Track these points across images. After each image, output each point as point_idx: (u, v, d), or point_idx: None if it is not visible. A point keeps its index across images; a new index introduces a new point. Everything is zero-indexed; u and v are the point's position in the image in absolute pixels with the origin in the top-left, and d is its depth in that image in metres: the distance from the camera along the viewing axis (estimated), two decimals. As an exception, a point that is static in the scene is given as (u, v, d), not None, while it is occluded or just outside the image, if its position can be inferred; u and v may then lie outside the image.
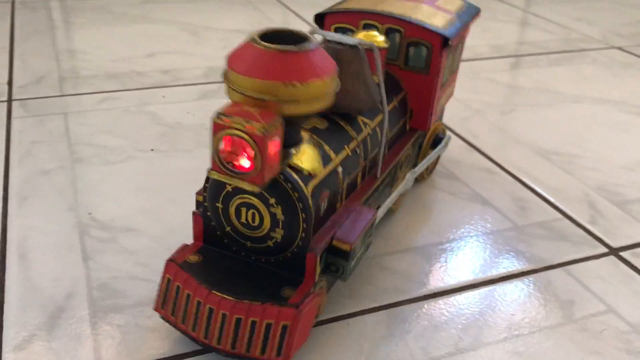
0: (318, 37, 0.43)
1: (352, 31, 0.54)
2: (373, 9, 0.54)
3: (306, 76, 0.36)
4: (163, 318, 0.41)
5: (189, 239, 0.44)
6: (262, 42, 0.37)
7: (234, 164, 0.36)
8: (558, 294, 0.49)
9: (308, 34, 0.39)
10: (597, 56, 1.05)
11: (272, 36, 0.38)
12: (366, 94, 0.45)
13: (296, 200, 0.39)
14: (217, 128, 0.35)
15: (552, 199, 0.61)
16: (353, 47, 0.43)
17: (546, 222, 0.58)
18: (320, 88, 0.37)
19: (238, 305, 0.39)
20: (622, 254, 0.53)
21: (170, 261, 0.41)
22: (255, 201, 0.41)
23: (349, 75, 0.44)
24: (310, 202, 0.39)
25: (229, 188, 0.41)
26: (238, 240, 0.43)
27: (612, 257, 0.53)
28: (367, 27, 0.54)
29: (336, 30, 0.55)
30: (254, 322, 0.39)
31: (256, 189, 0.37)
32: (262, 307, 0.39)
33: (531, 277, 0.50)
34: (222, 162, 0.36)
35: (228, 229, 0.43)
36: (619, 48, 1.10)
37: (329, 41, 0.44)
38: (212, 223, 0.43)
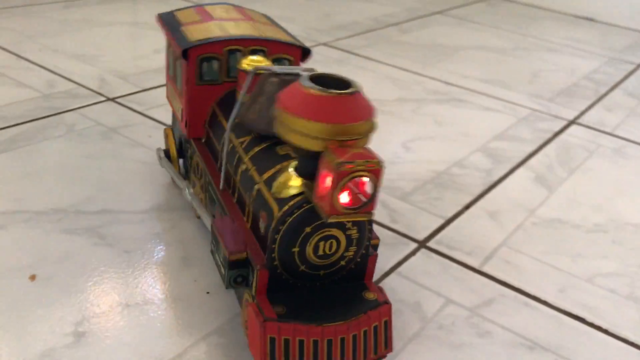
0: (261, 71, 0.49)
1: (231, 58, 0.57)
2: (229, 34, 0.56)
3: (372, 113, 0.41)
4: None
5: None
6: (333, 90, 0.40)
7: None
8: (404, 298, 0.55)
9: (339, 76, 0.42)
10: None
11: (315, 80, 0.42)
12: None
13: None
14: (341, 175, 0.38)
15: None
16: (296, 75, 0.48)
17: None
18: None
19: (352, 325, 0.43)
20: (429, 245, 0.62)
21: (267, 321, 0.42)
22: (334, 231, 0.44)
23: None
24: None
25: (308, 229, 0.43)
26: (311, 274, 0.45)
27: (424, 250, 0.62)
28: (231, 52, 0.56)
29: (203, 60, 0.56)
30: (365, 332, 0.44)
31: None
32: (367, 316, 0.44)
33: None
34: (339, 204, 0.39)
35: (302, 267, 0.45)
36: (324, 44, 1.33)
37: (276, 74, 0.48)
38: (278, 270, 0.44)
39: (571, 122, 0.98)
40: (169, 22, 0.61)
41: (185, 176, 0.64)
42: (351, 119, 0.40)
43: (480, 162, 0.81)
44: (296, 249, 0.44)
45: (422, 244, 0.63)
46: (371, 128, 0.41)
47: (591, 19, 1.70)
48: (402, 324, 0.52)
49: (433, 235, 0.64)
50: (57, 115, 0.80)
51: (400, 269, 0.58)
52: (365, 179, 0.38)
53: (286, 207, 0.43)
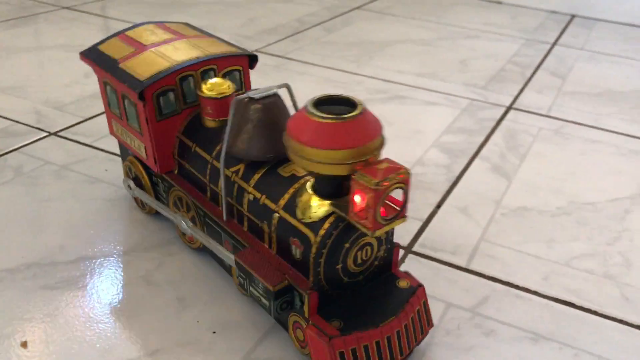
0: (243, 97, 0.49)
1: (172, 89, 0.56)
2: (177, 62, 0.55)
3: (381, 127, 0.43)
4: None
5: None
6: (347, 115, 0.41)
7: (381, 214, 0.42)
8: None
9: (338, 95, 0.44)
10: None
11: (323, 102, 0.43)
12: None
13: None
14: (380, 194, 0.40)
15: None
16: (274, 96, 0.49)
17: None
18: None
19: (401, 317, 0.47)
20: (414, 249, 0.63)
21: (332, 338, 0.44)
22: (368, 238, 0.47)
23: (280, 120, 0.50)
24: None
25: (347, 245, 0.46)
26: (353, 282, 0.48)
27: (411, 256, 0.62)
28: (183, 79, 0.56)
29: (158, 95, 0.55)
30: (413, 318, 0.48)
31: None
32: (410, 304, 0.47)
33: None
34: (380, 218, 0.41)
35: (345, 279, 0.47)
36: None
37: (254, 99, 0.49)
38: (325, 289, 0.46)
39: (509, 108, 1.02)
40: (100, 59, 0.59)
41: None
42: (369, 138, 0.42)
43: (438, 158, 0.83)
44: (339, 266, 0.47)
45: (408, 249, 0.64)
46: (383, 141, 0.44)
47: (499, 2, 1.78)
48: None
49: (416, 239, 0.65)
50: (-1, 158, 0.75)
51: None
52: (402, 188, 0.42)
53: (323, 232, 0.45)
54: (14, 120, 0.84)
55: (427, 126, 0.93)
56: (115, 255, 0.59)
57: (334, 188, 0.45)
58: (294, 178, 0.49)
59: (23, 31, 1.21)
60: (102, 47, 0.61)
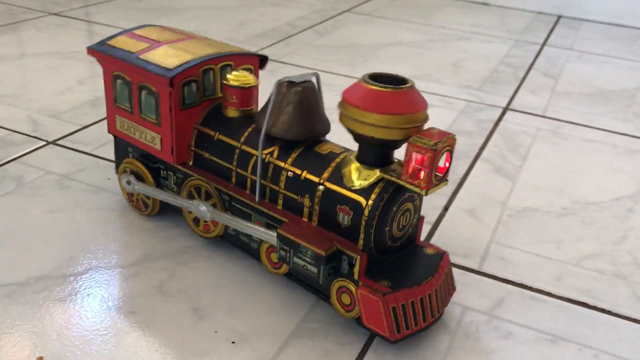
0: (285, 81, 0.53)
1: (196, 80, 0.58)
2: (199, 54, 0.58)
3: (426, 101, 0.49)
4: (398, 341, 0.49)
5: None
6: (404, 86, 0.47)
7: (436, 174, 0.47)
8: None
9: (387, 73, 0.49)
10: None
11: (375, 78, 0.48)
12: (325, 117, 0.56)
13: None
14: (437, 154, 0.45)
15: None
16: (308, 82, 0.53)
17: None
18: None
19: (437, 277, 0.52)
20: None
21: (386, 295, 0.48)
22: (408, 204, 0.52)
23: (315, 103, 0.54)
24: None
25: (394, 209, 0.50)
26: (393, 247, 0.53)
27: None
28: (204, 72, 0.58)
29: (184, 84, 0.57)
30: (444, 279, 0.53)
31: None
32: (441, 267, 0.53)
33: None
34: (435, 176, 0.46)
35: (389, 243, 0.52)
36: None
37: (292, 82, 0.53)
38: (372, 252, 0.50)
39: (505, 109, 1.03)
40: (113, 52, 0.60)
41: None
42: (421, 107, 0.48)
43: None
44: (387, 228, 0.51)
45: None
46: (427, 114, 0.49)
47: (486, 4, 1.79)
48: (432, 340, 0.52)
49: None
50: (-3, 168, 0.73)
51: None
52: (450, 151, 0.47)
53: (374, 196, 0.49)
54: (9, 130, 0.82)
55: (427, 129, 0.93)
56: (126, 266, 0.58)
57: (380, 157, 0.50)
58: (332, 154, 0.53)
59: (11, 38, 1.19)
60: (112, 42, 0.62)
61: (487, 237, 0.67)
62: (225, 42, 0.64)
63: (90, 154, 0.77)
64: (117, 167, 0.67)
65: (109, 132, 0.65)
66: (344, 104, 0.49)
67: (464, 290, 0.59)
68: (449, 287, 0.54)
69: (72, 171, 0.73)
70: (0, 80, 0.98)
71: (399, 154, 0.49)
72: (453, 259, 0.63)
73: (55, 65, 1.06)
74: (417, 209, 0.54)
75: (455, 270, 0.61)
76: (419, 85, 1.10)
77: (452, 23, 1.55)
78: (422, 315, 0.50)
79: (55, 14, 1.36)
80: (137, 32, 0.64)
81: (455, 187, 0.76)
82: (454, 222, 0.69)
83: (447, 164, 0.47)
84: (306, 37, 1.34)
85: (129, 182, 0.63)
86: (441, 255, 0.54)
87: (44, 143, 0.79)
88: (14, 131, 0.82)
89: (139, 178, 0.64)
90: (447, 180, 0.48)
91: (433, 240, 0.66)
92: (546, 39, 1.47)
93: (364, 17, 1.55)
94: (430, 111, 1.02)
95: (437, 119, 0.97)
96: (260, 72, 0.63)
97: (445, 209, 0.72)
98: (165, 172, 0.62)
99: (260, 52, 1.23)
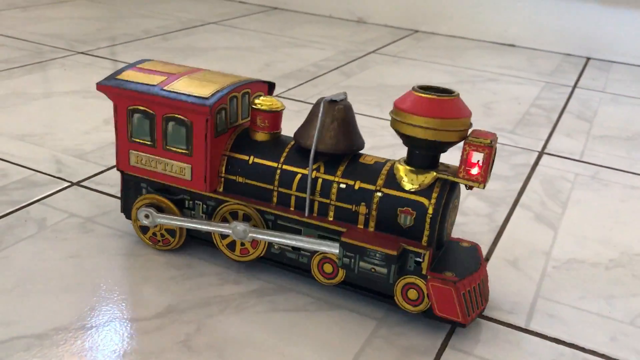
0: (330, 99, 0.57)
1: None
2: (223, 83, 0.59)
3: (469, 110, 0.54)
4: (464, 325, 0.55)
5: None
6: (454, 94, 0.52)
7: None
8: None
9: (430, 85, 0.54)
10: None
11: (424, 89, 0.53)
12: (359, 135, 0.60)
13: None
14: (493, 150, 0.51)
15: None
16: (343, 100, 0.57)
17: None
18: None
19: (483, 264, 0.58)
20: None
21: (455, 283, 0.53)
22: (456, 201, 0.57)
23: (353, 119, 0.58)
24: None
25: (451, 205, 0.55)
26: (445, 242, 0.58)
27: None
28: (231, 100, 0.60)
29: (218, 111, 0.58)
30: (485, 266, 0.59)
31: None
32: (481, 256, 0.59)
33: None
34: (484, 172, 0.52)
35: (445, 238, 0.57)
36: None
37: (335, 101, 0.57)
38: (433, 248, 0.54)
39: (541, 153, 0.99)
40: (132, 86, 0.60)
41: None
42: (469, 114, 0.53)
43: (478, 207, 0.79)
44: (446, 224, 0.56)
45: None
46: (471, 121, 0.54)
47: (512, 45, 1.78)
48: None
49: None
50: (20, 209, 0.71)
51: (451, 341, 0.55)
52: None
53: (435, 194, 0.53)
54: (33, 170, 0.80)
55: (461, 173, 0.90)
56: (150, 318, 0.55)
57: (432, 160, 0.54)
58: (378, 164, 0.57)
59: (38, 77, 1.18)
60: (122, 77, 0.61)
61: (532, 291, 0.63)
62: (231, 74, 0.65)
63: (115, 196, 0.75)
64: (123, 206, 0.66)
65: (118, 169, 0.63)
66: (399, 111, 0.53)
67: (513, 350, 0.54)
68: (487, 274, 0.60)
69: (96, 214, 0.71)
70: (25, 119, 0.97)
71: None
72: (497, 314, 0.59)
73: (81, 104, 1.05)
74: (459, 203, 0.60)
75: (501, 328, 0.57)
76: (450, 127, 1.07)
77: (479, 65, 1.53)
78: (480, 299, 0.56)
79: (82, 53, 1.36)
80: (142, 66, 0.63)
81: (496, 236, 0.73)
82: (497, 274, 0.65)
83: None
84: (333, 78, 1.33)
85: (147, 216, 0.62)
86: (475, 247, 0.60)
87: (68, 184, 0.77)
88: (38, 171, 0.80)
89: (160, 210, 0.62)
90: (490, 174, 0.54)
91: (474, 294, 0.62)
92: (577, 81, 1.45)
93: (391, 58, 1.53)
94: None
95: (470, 162, 0.93)
96: (287, 114, 0.67)
97: (486, 259, 0.68)
98: (190, 202, 0.62)
99: (287, 93, 1.21)
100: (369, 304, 0.59)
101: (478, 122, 1.10)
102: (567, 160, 0.97)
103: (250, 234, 0.59)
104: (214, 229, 0.60)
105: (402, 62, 1.51)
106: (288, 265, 0.60)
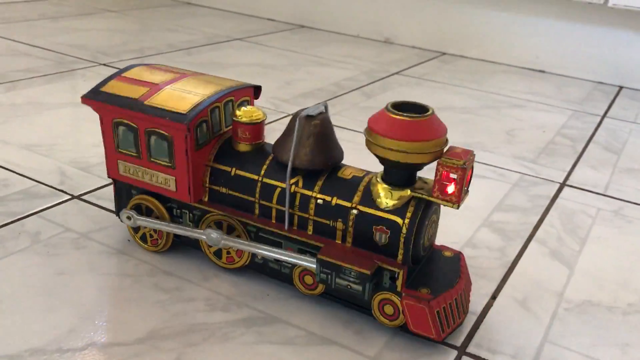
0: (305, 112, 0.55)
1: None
2: (205, 94, 0.59)
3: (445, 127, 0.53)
4: (440, 342, 0.55)
5: None
6: (427, 114, 0.51)
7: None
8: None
9: (403, 101, 0.53)
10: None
11: (397, 107, 0.53)
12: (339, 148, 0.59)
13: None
14: (466, 171, 0.50)
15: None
16: (323, 113, 0.56)
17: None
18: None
19: (463, 277, 0.57)
20: (469, 350, 0.56)
21: (429, 301, 0.53)
22: (434, 217, 0.57)
23: (332, 133, 0.57)
24: None
25: (427, 222, 0.55)
26: (422, 256, 0.57)
27: (466, 358, 0.60)
28: (212, 111, 0.60)
29: (199, 124, 0.58)
30: (466, 279, 0.58)
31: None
32: (463, 266, 0.58)
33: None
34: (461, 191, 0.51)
35: (422, 254, 0.57)
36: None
37: (311, 116, 0.55)
38: (409, 264, 0.54)
39: (563, 185, 0.95)
40: (113, 100, 0.60)
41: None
42: (443, 133, 0.52)
43: (490, 240, 0.75)
44: (422, 241, 0.55)
45: (462, 350, 0.56)
46: (447, 138, 0.53)
47: (542, 71, 1.73)
48: None
49: (470, 337, 0.57)
50: (16, 222, 0.69)
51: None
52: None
53: (410, 214, 0.53)
54: (36, 181, 0.79)
55: (476, 202, 0.86)
56: (129, 343, 0.52)
57: (408, 178, 0.54)
58: (356, 178, 0.56)
59: (56, 87, 1.19)
60: (106, 89, 0.61)
61: (540, 334, 0.58)
62: (224, 78, 0.65)
63: (113, 212, 0.73)
64: (117, 209, 0.67)
65: (108, 176, 0.64)
66: (371, 132, 0.52)
67: None
68: (469, 284, 0.59)
69: (92, 229, 0.69)
70: (36, 129, 0.97)
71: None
72: (500, 358, 0.55)
73: (94, 117, 1.04)
74: (438, 218, 0.59)
75: (502, 374, 0.53)
76: (469, 153, 1.03)
77: (506, 90, 1.49)
78: (457, 313, 0.56)
79: (104, 65, 1.36)
80: (127, 74, 0.63)
81: (506, 272, 0.69)
82: (503, 314, 0.61)
83: (469, 178, 0.52)
84: (353, 98, 1.30)
85: (129, 217, 0.63)
86: (459, 256, 0.60)
87: (68, 197, 0.76)
88: (41, 182, 0.79)
89: (148, 211, 0.64)
90: (468, 191, 0.53)
91: (478, 335, 0.58)
92: (607, 111, 1.39)
93: (414, 80, 1.50)
94: (480, 182, 0.96)
95: (488, 191, 0.89)
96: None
97: (494, 297, 0.64)
98: (177, 210, 0.63)
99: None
100: (363, 339, 0.55)
101: (498, 149, 1.07)
102: (590, 194, 0.92)
103: (223, 241, 0.59)
104: (189, 233, 0.61)
105: (426, 84, 1.48)
106: (270, 275, 0.61)
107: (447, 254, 0.60)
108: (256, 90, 0.66)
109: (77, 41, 1.55)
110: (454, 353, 0.55)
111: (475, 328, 0.59)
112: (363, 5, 1.96)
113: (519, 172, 0.98)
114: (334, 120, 1.14)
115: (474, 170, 0.52)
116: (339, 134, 1.07)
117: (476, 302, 0.62)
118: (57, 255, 0.64)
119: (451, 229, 0.77)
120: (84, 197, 0.76)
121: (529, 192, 0.91)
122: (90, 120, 1.02)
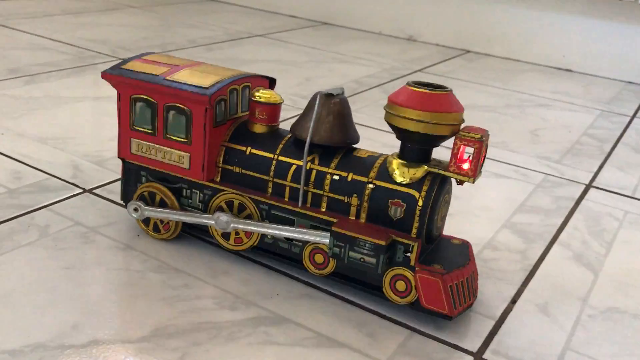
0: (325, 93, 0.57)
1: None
2: (224, 75, 0.60)
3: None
4: (451, 318, 0.54)
5: None
6: (447, 89, 0.53)
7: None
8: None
9: (423, 81, 0.55)
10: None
11: (419, 84, 0.54)
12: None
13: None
14: (483, 145, 0.52)
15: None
16: (341, 94, 0.58)
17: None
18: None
19: (472, 260, 0.58)
20: (485, 357, 0.56)
21: (442, 275, 0.53)
22: (447, 196, 0.57)
23: (349, 113, 0.59)
24: None
25: (441, 199, 0.55)
26: (435, 236, 0.58)
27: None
28: (231, 92, 0.61)
29: (218, 102, 0.59)
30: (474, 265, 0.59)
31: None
32: (471, 252, 0.59)
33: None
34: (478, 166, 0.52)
35: (434, 233, 0.57)
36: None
37: (332, 95, 0.57)
38: (423, 240, 0.55)
39: (588, 186, 0.91)
40: (136, 75, 0.61)
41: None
42: (461, 109, 0.54)
43: (511, 242, 0.73)
44: (436, 217, 0.56)
45: (478, 356, 0.53)
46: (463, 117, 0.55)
47: (569, 70, 1.68)
48: None
49: (487, 343, 0.55)
50: (26, 214, 0.68)
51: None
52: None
53: (426, 187, 0.54)
54: (48, 174, 0.78)
55: (497, 203, 0.83)
56: (133, 341, 0.51)
57: (424, 154, 0.55)
58: (372, 157, 0.58)
59: (77, 81, 1.18)
60: (127, 67, 0.63)
61: (561, 342, 0.56)
62: (245, 71, 0.65)
63: (124, 206, 0.72)
64: (123, 194, 0.67)
65: (119, 156, 0.65)
66: (393, 105, 0.54)
67: None
68: (476, 272, 0.59)
69: (102, 224, 0.68)
70: (51, 122, 0.96)
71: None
72: (518, 366, 0.52)
73: (110, 111, 1.04)
74: (450, 198, 0.59)
75: (520, 382, 0.50)
76: (492, 152, 1.00)
77: (531, 88, 1.45)
78: (468, 293, 0.56)
79: (123, 59, 1.36)
80: (147, 57, 0.65)
81: (527, 276, 0.66)
82: (522, 319, 0.58)
83: (484, 157, 0.53)
84: (372, 95, 1.28)
85: (136, 209, 0.64)
86: (467, 244, 0.60)
87: (79, 191, 0.75)
88: (53, 175, 0.78)
89: (154, 200, 0.64)
90: (481, 172, 0.55)
91: (495, 340, 0.55)
92: (636, 111, 1.35)
93: (438, 78, 1.47)
94: (500, 183, 0.93)
95: (510, 191, 0.86)
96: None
97: (513, 301, 0.61)
98: (187, 191, 0.63)
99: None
100: (374, 342, 0.53)
101: (522, 149, 1.03)
102: (617, 196, 0.89)
103: (232, 225, 0.60)
104: (198, 220, 0.62)
105: (449, 82, 1.44)
106: (280, 255, 0.61)
107: (456, 241, 0.60)
108: (271, 83, 0.66)
109: (98, 36, 1.55)
110: (470, 359, 0.52)
111: (493, 333, 0.56)
112: (386, 2, 1.94)
113: (543, 173, 0.94)
114: (353, 117, 1.12)
115: (493, 165, 0.53)
116: (361, 132, 1.05)
117: (495, 306, 0.60)
118: (65, 249, 0.63)
119: (470, 230, 0.74)
120: (95, 190, 0.75)
121: (553, 194, 0.87)
122: (107, 115, 1.01)
